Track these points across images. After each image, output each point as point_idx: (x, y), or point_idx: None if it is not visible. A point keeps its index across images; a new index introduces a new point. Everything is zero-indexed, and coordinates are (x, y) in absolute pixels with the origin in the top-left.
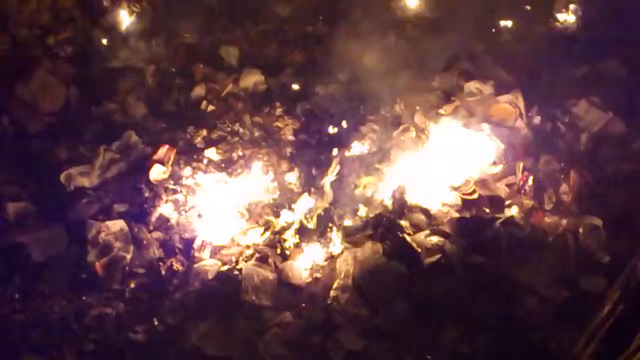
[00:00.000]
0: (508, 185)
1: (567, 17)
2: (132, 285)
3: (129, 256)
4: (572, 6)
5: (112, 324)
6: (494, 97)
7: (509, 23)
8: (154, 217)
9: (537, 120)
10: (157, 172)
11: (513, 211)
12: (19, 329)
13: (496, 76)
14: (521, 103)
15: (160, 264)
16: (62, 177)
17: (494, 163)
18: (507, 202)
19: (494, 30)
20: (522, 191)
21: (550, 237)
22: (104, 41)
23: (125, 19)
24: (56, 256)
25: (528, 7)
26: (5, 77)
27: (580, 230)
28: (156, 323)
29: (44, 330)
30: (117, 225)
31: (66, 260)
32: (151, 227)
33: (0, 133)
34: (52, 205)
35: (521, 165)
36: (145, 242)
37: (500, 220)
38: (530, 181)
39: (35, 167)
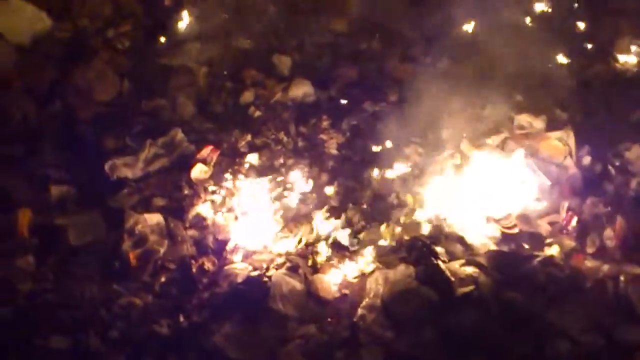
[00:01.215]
0: (550, 224)
1: (627, 59)
2: (162, 279)
3: (162, 250)
4: (633, 48)
5: (138, 315)
6: (545, 133)
7: (567, 59)
8: (190, 215)
9: (586, 160)
10: (198, 171)
11: (553, 250)
12: (48, 309)
13: (549, 111)
14: (572, 141)
15: (192, 261)
16: (107, 166)
17: (538, 199)
18: (548, 241)
19: (550, 65)
20: (565, 231)
21: (589, 282)
22: (162, 39)
23: (184, 18)
24: (92, 242)
25: (589, 45)
26: (63, 63)
27: (621, 278)
28: (181, 319)
29: (72, 312)
30: (155, 218)
31: (101, 247)
32: (187, 225)
33: (52, 117)
34: (94, 192)
35: (566, 204)
36: (179, 239)
37: (539, 258)
38: (573, 222)
39: (81, 153)
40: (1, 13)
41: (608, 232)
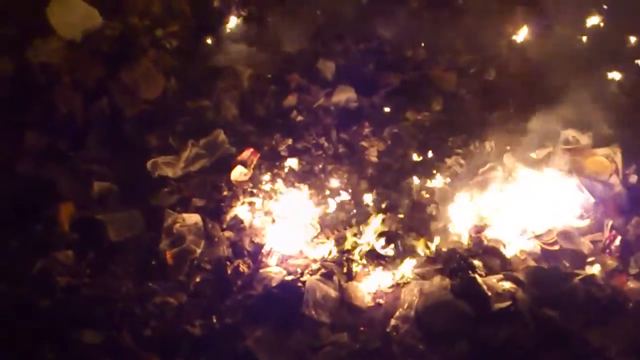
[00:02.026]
0: (593, 242)
1: None
2: (197, 280)
3: (199, 250)
4: None
5: (172, 314)
6: (591, 149)
7: (617, 74)
8: (228, 217)
9: (633, 179)
10: (238, 173)
11: (594, 270)
12: (85, 303)
13: (596, 127)
14: (619, 159)
15: (228, 263)
16: (149, 164)
17: (582, 217)
18: (590, 259)
19: (600, 80)
20: (607, 250)
21: (630, 303)
22: (209, 40)
23: (232, 21)
24: (131, 239)
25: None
26: (112, 61)
27: None
28: (214, 320)
29: (107, 308)
30: (193, 218)
31: (139, 244)
32: (224, 226)
33: (97, 113)
34: (135, 190)
35: (610, 223)
36: (216, 240)
37: (579, 277)
38: (617, 241)
39: (124, 150)
40: (55, 9)
41: None
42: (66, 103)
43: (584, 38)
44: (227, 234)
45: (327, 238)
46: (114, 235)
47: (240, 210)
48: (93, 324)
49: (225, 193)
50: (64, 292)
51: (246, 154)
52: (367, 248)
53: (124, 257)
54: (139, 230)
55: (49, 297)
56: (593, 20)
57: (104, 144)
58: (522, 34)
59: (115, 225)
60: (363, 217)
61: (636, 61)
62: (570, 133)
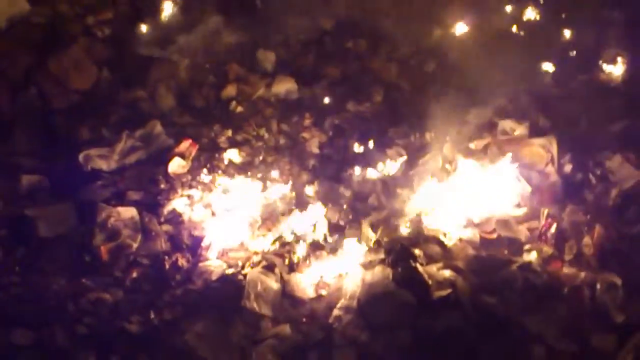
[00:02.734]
0: (529, 230)
1: (613, 69)
2: (134, 275)
3: (135, 245)
4: (619, 59)
5: (107, 311)
6: (527, 139)
7: (552, 67)
8: (166, 210)
9: (568, 168)
10: (176, 165)
11: (531, 256)
12: (14, 302)
13: (532, 118)
14: (554, 148)
15: (166, 257)
16: (81, 156)
17: (518, 205)
18: (527, 247)
19: (536, 72)
20: (543, 238)
21: (566, 288)
22: (143, 28)
23: (167, 8)
24: (63, 234)
25: (574, 53)
26: (40, 49)
27: (598, 285)
28: (152, 316)
29: (39, 306)
30: (129, 212)
31: (72, 240)
32: (162, 219)
33: (26, 104)
34: (66, 183)
35: (546, 211)
36: (153, 234)
37: (517, 264)
38: (552, 229)
39: (55, 143)
40: None
41: (586, 240)
42: None
43: (520, 30)
44: (165, 227)
45: (268, 230)
46: (45, 231)
47: (178, 203)
48: (23, 324)
49: (162, 186)
50: None
51: (184, 145)
52: (309, 239)
53: (56, 254)
54: (70, 225)
55: None
56: (529, 13)
57: (32, 136)
58: (459, 27)
59: (45, 220)
60: (304, 209)
61: (570, 53)
62: (507, 124)
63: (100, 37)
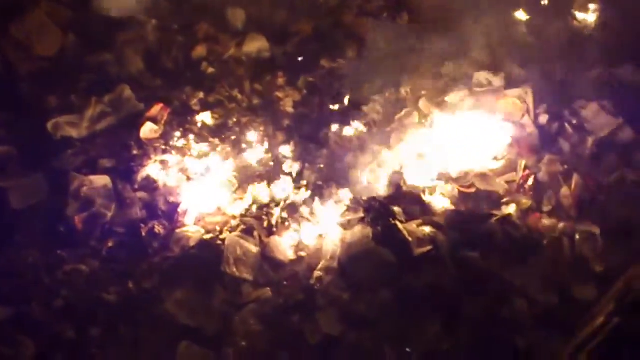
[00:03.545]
0: (507, 182)
1: (586, 17)
2: (110, 245)
3: (110, 214)
4: (592, 6)
5: (84, 282)
6: (503, 91)
7: (525, 16)
8: (140, 177)
9: (544, 118)
10: (148, 130)
11: (510, 209)
12: None
13: (508, 69)
14: (530, 99)
15: (142, 225)
16: (50, 125)
17: (496, 158)
18: (505, 200)
19: (509, 22)
20: (522, 190)
21: (545, 240)
22: None
23: None
24: (35, 205)
25: (546, 1)
26: (1, 15)
27: (577, 236)
28: (130, 285)
29: (14, 280)
30: (101, 180)
31: (45, 210)
32: (136, 186)
33: None
34: (36, 153)
35: (523, 163)
36: (128, 201)
37: (496, 218)
38: (530, 180)
39: (23, 111)
40: None
41: (564, 191)
42: None
43: None
44: (140, 194)
45: (245, 193)
46: (17, 202)
47: (152, 169)
48: (0, 299)
49: (135, 152)
50: None
51: (155, 109)
52: (287, 201)
53: (29, 226)
54: (43, 196)
55: None
56: None
57: None
58: None
59: (17, 192)
60: (281, 170)
61: (542, 1)
62: (482, 75)
63: (63, 1)
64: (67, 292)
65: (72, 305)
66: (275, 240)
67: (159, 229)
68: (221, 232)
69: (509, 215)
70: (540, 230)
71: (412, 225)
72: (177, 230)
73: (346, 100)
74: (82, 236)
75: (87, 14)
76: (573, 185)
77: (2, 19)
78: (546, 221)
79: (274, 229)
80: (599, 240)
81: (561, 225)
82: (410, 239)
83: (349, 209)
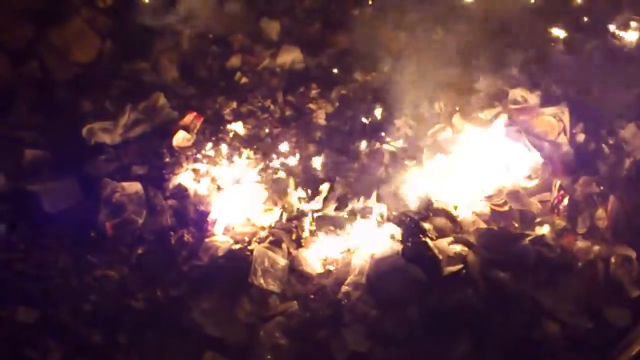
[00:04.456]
0: (542, 202)
1: (626, 35)
2: (140, 251)
3: (140, 220)
4: (633, 24)
5: (113, 287)
6: (539, 108)
7: (564, 33)
8: (171, 184)
9: (580, 138)
10: (181, 139)
11: (544, 230)
12: (16, 279)
13: (544, 87)
14: (566, 118)
15: (171, 233)
16: (84, 130)
17: (530, 177)
18: (539, 220)
19: (547, 38)
20: (556, 210)
21: (579, 263)
22: None
23: None
24: (66, 210)
25: (585, 18)
26: (41, 20)
27: (612, 259)
28: (158, 293)
29: (42, 284)
30: (133, 187)
31: (76, 215)
32: (167, 194)
33: (27, 77)
34: (70, 158)
35: (558, 183)
36: (159, 209)
37: (529, 238)
38: (565, 201)
39: (57, 116)
40: None
41: (600, 213)
42: None
43: None
44: (170, 202)
45: (275, 204)
46: (49, 206)
47: (183, 177)
48: (28, 301)
49: (167, 159)
50: None
51: (188, 118)
52: (317, 214)
53: (60, 230)
54: (75, 200)
55: None
56: None
57: (35, 109)
58: None
59: (49, 195)
60: (312, 182)
61: (581, 18)
62: (518, 92)
63: (102, 8)
64: (95, 297)
65: (99, 310)
66: (303, 252)
67: (188, 237)
68: (250, 243)
69: (543, 235)
70: (574, 252)
71: (443, 243)
72: (206, 240)
73: (379, 114)
74: (112, 242)
75: (125, 22)
76: (609, 208)
77: (42, 25)
78: (580, 243)
79: (303, 242)
80: (634, 265)
81: (596, 247)
82: (440, 256)
83: (378, 223)
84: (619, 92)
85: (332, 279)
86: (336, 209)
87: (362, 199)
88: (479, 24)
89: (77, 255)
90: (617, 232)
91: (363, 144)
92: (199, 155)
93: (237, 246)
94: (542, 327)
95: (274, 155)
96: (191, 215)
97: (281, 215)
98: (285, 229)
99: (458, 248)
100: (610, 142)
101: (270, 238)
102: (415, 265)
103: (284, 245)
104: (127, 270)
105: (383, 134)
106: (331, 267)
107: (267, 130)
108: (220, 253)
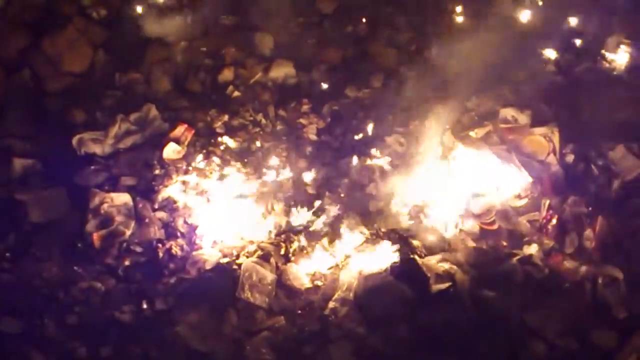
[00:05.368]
0: (530, 221)
1: (616, 58)
2: (127, 263)
3: (128, 232)
4: (623, 47)
5: (99, 300)
6: (529, 128)
7: (555, 54)
8: (160, 196)
9: (570, 158)
10: (171, 151)
11: (532, 249)
12: (3, 289)
13: (535, 107)
14: (556, 138)
15: (159, 245)
16: (74, 140)
17: (519, 196)
18: (527, 239)
19: (538, 59)
20: (544, 230)
21: (567, 283)
22: (140, 9)
23: None
24: (55, 220)
25: (577, 41)
26: (34, 30)
27: (599, 280)
28: (145, 306)
29: (29, 294)
30: (122, 198)
31: (64, 226)
32: (156, 206)
33: (19, 86)
34: (59, 168)
35: (547, 202)
36: (147, 221)
37: (517, 257)
38: (554, 221)
39: (48, 126)
40: None
41: (588, 233)
42: None
43: (523, 17)
44: (159, 214)
45: (264, 219)
46: (36, 216)
47: (173, 189)
48: (12, 312)
49: (157, 171)
50: None
51: (180, 130)
52: (305, 229)
53: (47, 240)
54: (63, 211)
55: None
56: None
57: (25, 118)
58: (461, 13)
59: (37, 205)
60: (301, 197)
61: (573, 40)
62: (509, 112)
63: (95, 19)
64: (81, 309)
65: (85, 322)
66: (292, 267)
67: (176, 250)
68: (238, 257)
69: (531, 255)
70: (561, 273)
71: (431, 261)
72: (194, 253)
73: (369, 130)
74: (99, 253)
75: (119, 32)
76: (597, 228)
77: (36, 35)
78: (568, 263)
79: (291, 257)
80: (622, 286)
81: (583, 268)
82: (428, 274)
83: (367, 240)
84: (609, 113)
85: (320, 294)
86: (325, 224)
87: (351, 214)
88: (472, 44)
89: (64, 266)
90: (604, 252)
91: (354, 160)
92: (189, 168)
93: (225, 260)
94: (529, 347)
95: (265, 170)
96: (180, 228)
97: (270, 229)
98: (274, 243)
99: (446, 266)
100: (599, 163)
101: (259, 252)
102: (404, 283)
103: (272, 260)
104: (114, 282)
105: (374, 150)
106: (319, 283)
107: (258, 144)
108: (208, 266)
